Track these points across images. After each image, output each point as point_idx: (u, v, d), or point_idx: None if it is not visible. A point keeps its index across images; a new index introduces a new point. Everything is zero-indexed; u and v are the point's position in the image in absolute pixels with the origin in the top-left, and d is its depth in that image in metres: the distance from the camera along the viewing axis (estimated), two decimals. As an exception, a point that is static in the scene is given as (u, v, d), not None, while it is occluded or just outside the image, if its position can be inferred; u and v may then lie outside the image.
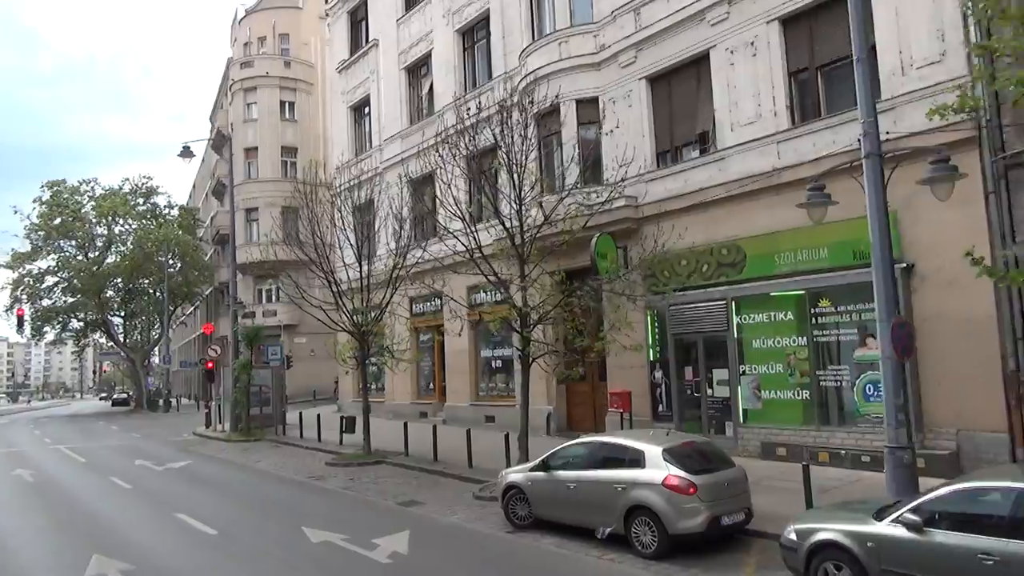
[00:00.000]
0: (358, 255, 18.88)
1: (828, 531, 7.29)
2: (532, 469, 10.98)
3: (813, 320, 14.30)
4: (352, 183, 20.31)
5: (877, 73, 13.50)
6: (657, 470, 9.25)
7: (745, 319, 15.51)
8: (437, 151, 14.91)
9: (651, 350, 17.40)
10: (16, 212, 52.25)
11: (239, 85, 46.09)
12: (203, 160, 62.65)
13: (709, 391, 16.14)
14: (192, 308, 65.18)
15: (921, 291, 12.76)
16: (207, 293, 58.84)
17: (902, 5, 13.12)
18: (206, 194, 63.93)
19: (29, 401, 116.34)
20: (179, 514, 12.64)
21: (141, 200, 53.28)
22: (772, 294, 14.97)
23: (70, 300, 52.04)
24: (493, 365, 23.38)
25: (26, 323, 49.88)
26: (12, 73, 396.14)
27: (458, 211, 14.90)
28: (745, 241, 15.41)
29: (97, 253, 52.17)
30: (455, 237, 14.82)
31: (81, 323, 54.61)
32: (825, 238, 13.68)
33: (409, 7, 26.89)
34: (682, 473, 9.12)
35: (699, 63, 16.74)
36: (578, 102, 18.62)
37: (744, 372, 15.43)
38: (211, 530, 11.37)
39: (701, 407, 16.34)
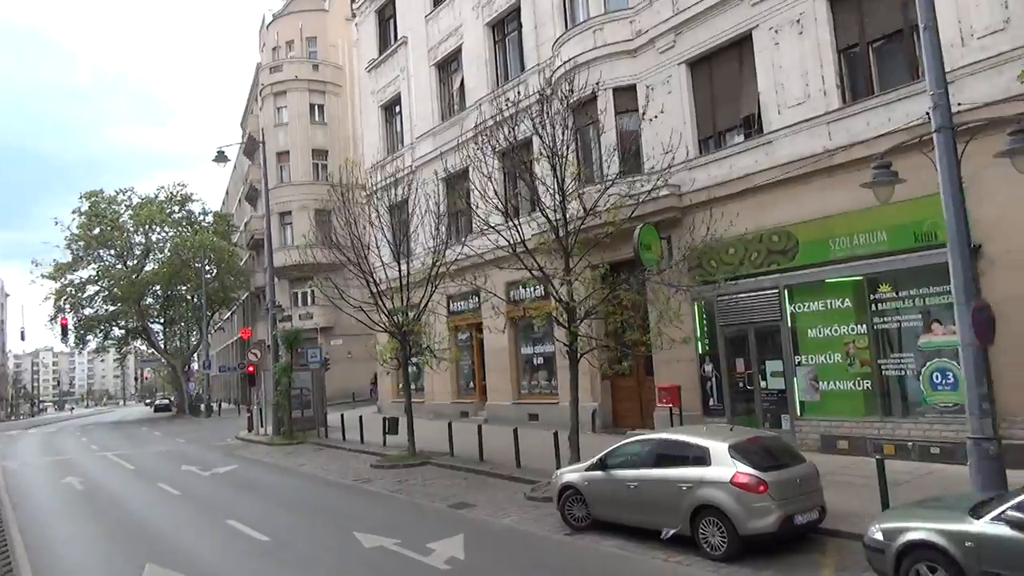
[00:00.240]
0: (396, 254, 18.65)
1: (920, 530, 6.80)
2: (589, 468, 10.60)
3: (873, 307, 13.70)
4: (388, 180, 20.06)
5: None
6: (724, 467, 8.82)
7: (799, 308, 14.95)
8: (476, 143, 14.58)
9: (699, 343, 16.92)
10: (57, 223, 53.34)
11: (269, 90, 46.33)
12: (235, 166, 63.29)
13: (762, 383, 15.60)
14: (229, 313, 65.92)
15: (989, 274, 12.06)
16: (243, 298, 59.42)
17: (961, -28, 12.47)
18: (239, 200, 64.53)
19: (72, 409, 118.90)
20: (230, 520, 12.51)
21: (176, 208, 53.95)
22: (827, 281, 14.40)
23: (111, 308, 52.91)
24: (534, 362, 23.03)
25: (70, 332, 50.79)
26: (49, 88, 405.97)
27: (499, 204, 14.59)
28: (796, 227, 14.85)
29: (136, 261, 52.97)
30: (496, 231, 14.47)
31: (122, 331, 55.50)
32: (883, 221, 13.09)
33: (438, 2, 26.62)
34: (751, 470, 8.68)
35: (741, 45, 16.20)
36: (615, 90, 18.18)
37: (800, 363, 14.88)
38: (263, 536, 11.20)
39: (754, 400, 15.81)
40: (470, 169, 16.21)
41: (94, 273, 52.37)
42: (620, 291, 13.72)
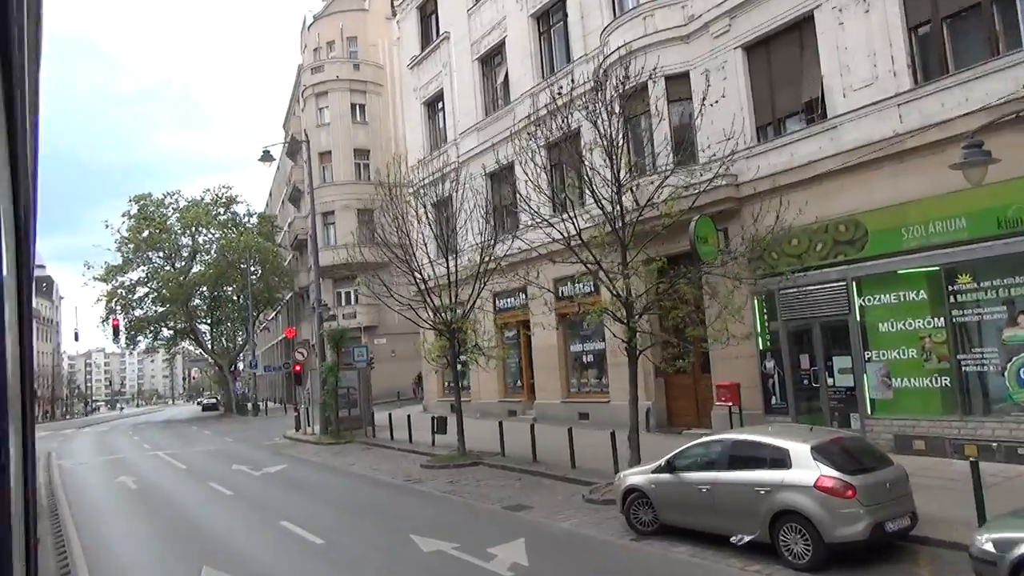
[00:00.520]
0: (444, 250, 18.33)
1: (1041, 542, 6.18)
2: (655, 471, 10.10)
3: (951, 298, 12.90)
4: (435, 176, 19.76)
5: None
6: (806, 470, 8.24)
7: (869, 301, 14.20)
8: (530, 131, 14.15)
9: (760, 338, 16.24)
10: (107, 226, 54.55)
11: (311, 90, 46.57)
12: (278, 167, 63.84)
13: (829, 380, 14.88)
14: (274, 313, 66.65)
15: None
16: (287, 298, 59.99)
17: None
18: (282, 201, 65.17)
19: (122, 408, 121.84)
20: (283, 521, 12.31)
21: (222, 210, 54.69)
22: (900, 272, 13.63)
23: (160, 309, 53.87)
24: (584, 360, 22.54)
25: (121, 333, 51.82)
26: (96, 95, 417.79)
27: (553, 197, 14.17)
28: (865, 215, 14.10)
29: (183, 263, 53.85)
30: (550, 224, 14.03)
31: (171, 331, 56.47)
32: (963, 207, 12.32)
33: (480, -4, 26.28)
34: (836, 473, 8.09)
35: (802, 26, 15.48)
36: (667, 78, 17.57)
37: (870, 359, 14.13)
38: (317, 539, 10.95)
39: (820, 398, 15.09)
40: (517, 163, 15.84)
41: (143, 275, 53.43)
42: (681, 285, 13.18)
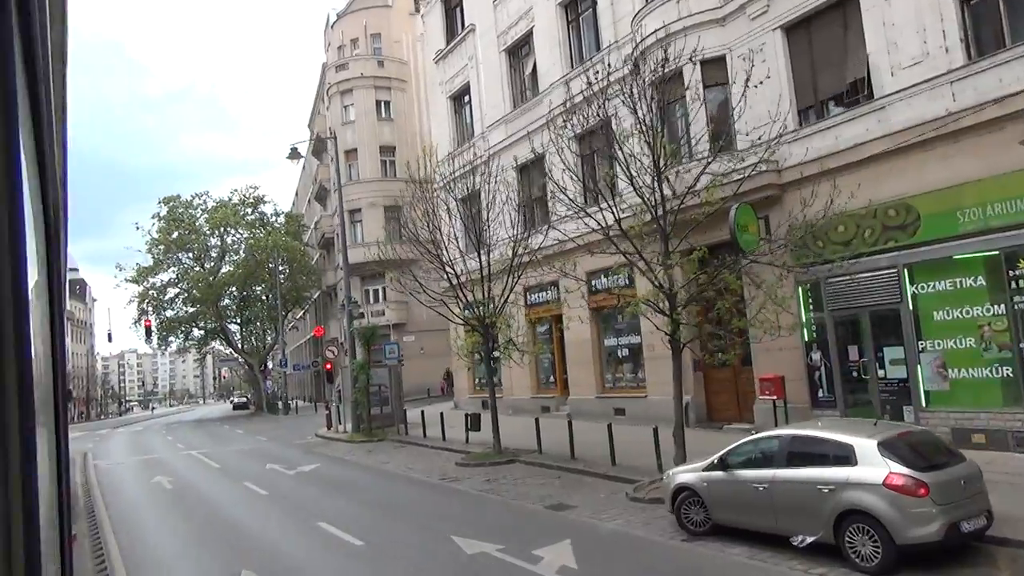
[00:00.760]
0: (476, 244, 17.98)
1: None
2: (707, 468, 9.67)
3: (1013, 284, 12.27)
4: (465, 168, 19.40)
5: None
6: (874, 467, 7.76)
7: (922, 288, 13.59)
8: (565, 118, 13.74)
9: (806, 329, 15.68)
10: (138, 228, 55.16)
11: (335, 88, 46.49)
12: (304, 167, 64.00)
13: (880, 372, 14.30)
14: (301, 312, 66.94)
15: None
16: (315, 297, 60.17)
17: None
18: (308, 200, 65.38)
19: (152, 408, 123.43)
20: (320, 523, 12.06)
21: (249, 210, 54.97)
22: (956, 257, 13.01)
23: (190, 310, 54.29)
24: (619, 354, 22.09)
25: (153, 333, 52.30)
26: (124, 100, 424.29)
27: (584, 186, 13.74)
28: (917, 199, 13.49)
29: (212, 263, 54.22)
30: (588, 214, 13.62)
31: (202, 331, 56.91)
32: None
33: (506, -13, 25.86)
34: (907, 470, 7.60)
35: (845, 3, 14.89)
36: (702, 63, 17.01)
37: (924, 349, 13.53)
38: (357, 541, 10.66)
39: (870, 391, 14.52)
40: (552, 151, 15.39)
41: (174, 276, 53.91)
42: (725, 275, 12.69)
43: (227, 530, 12.56)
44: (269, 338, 58.17)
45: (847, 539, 7.89)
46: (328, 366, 30.72)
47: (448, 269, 18.23)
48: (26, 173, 1.18)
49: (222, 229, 53.63)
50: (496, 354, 18.72)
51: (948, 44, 13.10)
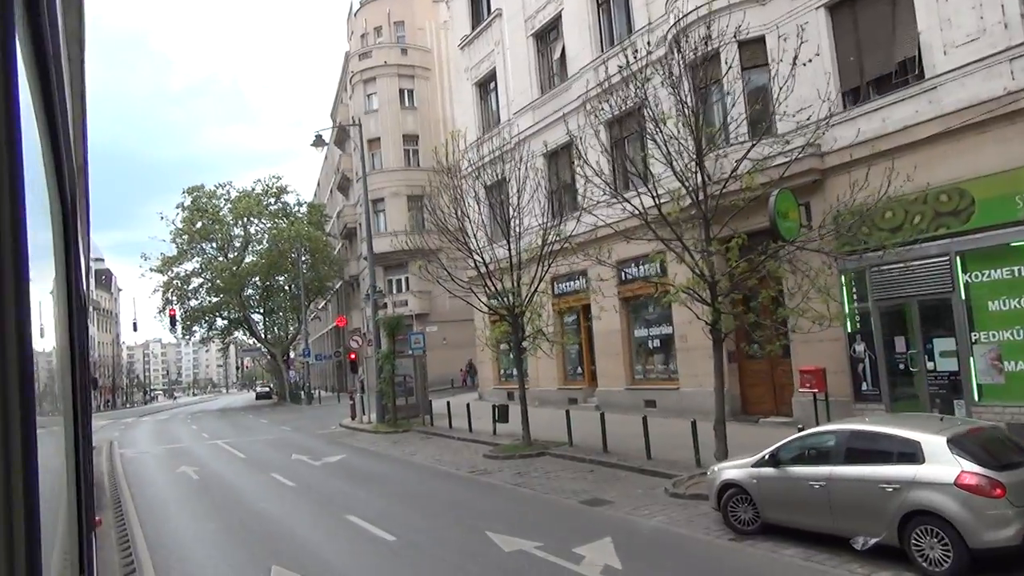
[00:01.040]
0: (505, 232, 17.55)
1: None
2: (757, 464, 9.19)
3: (1076, 273, 11.64)
4: (495, 153, 18.94)
5: None
6: (943, 466, 7.26)
7: (976, 277, 12.97)
8: (602, 100, 13.25)
9: (849, 320, 15.10)
10: (162, 218, 55.35)
11: (358, 77, 46.16)
12: (326, 157, 63.89)
13: (929, 364, 13.70)
14: (324, 303, 66.98)
15: None
16: (338, 287, 60.13)
17: None
18: (331, 190, 65.28)
19: (175, 397, 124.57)
20: (350, 516, 11.75)
21: (272, 200, 54.96)
22: (1013, 244, 12.41)
23: (214, 300, 54.46)
24: (649, 345, 21.60)
25: (178, 323, 52.53)
26: (148, 93, 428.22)
27: (614, 172, 13.25)
28: (971, 183, 12.87)
29: (236, 253, 54.30)
30: (625, 200, 13.13)
31: (225, 321, 57.11)
32: (1091, 170, 11.03)
33: (534, -30, 25.30)
34: (981, 469, 7.10)
35: (893, -20, 14.22)
36: (740, 44, 16.41)
37: (977, 340, 12.93)
38: (388, 536, 10.33)
39: (918, 384, 13.93)
40: (583, 136, 14.90)
41: (198, 266, 54.08)
42: (770, 263, 12.17)
43: (254, 522, 12.29)
44: (292, 328, 58.25)
45: (913, 542, 7.40)
46: (352, 356, 30.47)
47: (476, 257, 17.83)
48: (41, 161, 1.20)
49: (245, 219, 53.69)
50: (525, 344, 18.30)
51: (1007, 19, 12.43)
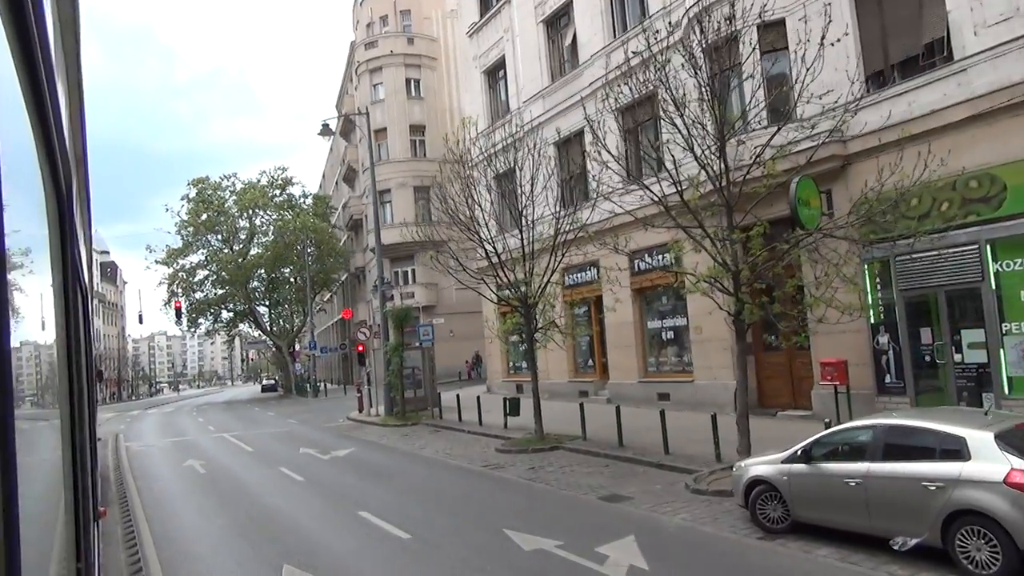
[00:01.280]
0: (519, 221, 17.14)
1: None
2: (787, 460, 8.81)
3: (1114, 261, 11.21)
4: (507, 140, 18.50)
5: None
6: (991, 463, 6.87)
7: (1007, 266, 12.55)
8: (623, 82, 12.82)
9: (872, 311, 14.68)
10: (168, 210, 55.02)
11: (364, 67, 45.70)
12: (331, 148, 63.55)
13: (956, 356, 13.29)
14: (329, 295, 66.69)
15: None
16: (343, 279, 59.82)
17: None
18: (336, 182, 64.91)
19: (178, 390, 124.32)
20: (362, 512, 11.42)
21: (278, 191, 54.61)
22: (1047, 232, 11.96)
23: (220, 292, 54.19)
24: (663, 337, 21.22)
25: (183, 315, 52.30)
26: (155, 86, 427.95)
27: (627, 160, 12.83)
28: (1002, 169, 12.43)
29: (241, 245, 54.01)
30: (646, 187, 12.73)
31: (231, 313, 56.86)
32: None
33: (544, -46, 24.80)
34: (1033, 468, 6.70)
35: (921, -41, 13.74)
36: (760, 27, 15.90)
37: (1008, 331, 12.52)
38: (403, 534, 9.99)
39: (944, 376, 13.53)
40: (600, 120, 14.47)
41: (203, 258, 53.80)
42: (795, 251, 11.76)
43: (264, 518, 11.97)
44: (297, 320, 58.00)
45: (958, 543, 7.02)
46: (360, 348, 30.15)
47: (487, 246, 17.44)
48: (34, 152, 1.23)
49: (251, 211, 53.39)
50: (537, 336, 17.92)
51: (1042, -2, 11.97)
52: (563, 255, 16.90)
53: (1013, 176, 12.28)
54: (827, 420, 11.80)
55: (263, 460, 18.90)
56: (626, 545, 8.69)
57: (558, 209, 17.24)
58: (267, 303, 57.83)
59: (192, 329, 57.74)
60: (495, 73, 28.40)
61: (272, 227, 53.26)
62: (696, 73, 11.81)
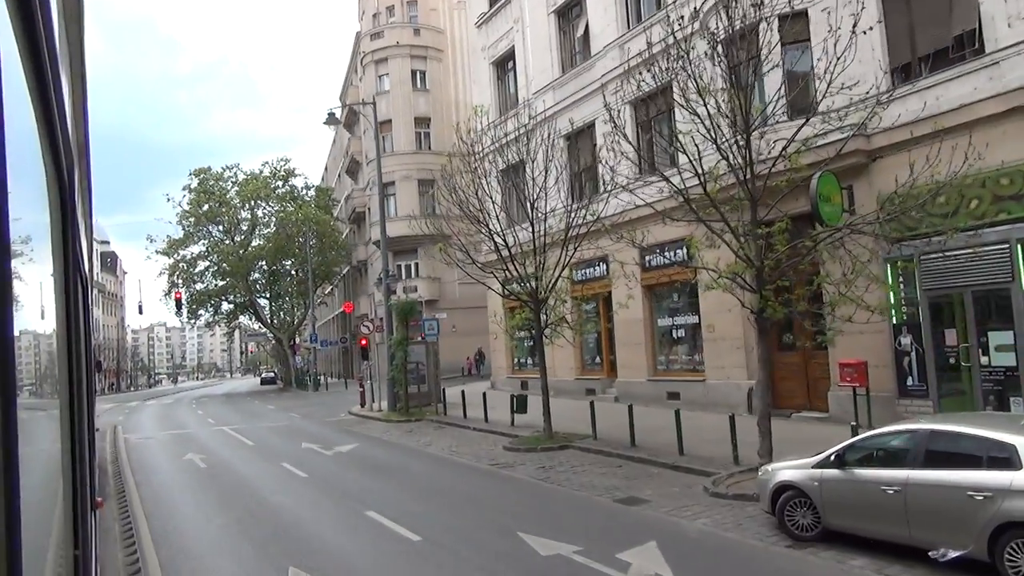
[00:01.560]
0: (530, 213, 16.72)
1: None
2: (818, 465, 8.41)
3: None
4: (519, 131, 18.05)
5: None
6: (1046, 473, 6.47)
7: (1039, 266, 12.13)
8: (647, 70, 12.39)
9: (894, 311, 14.27)
10: (169, 199, 54.57)
11: (370, 57, 45.20)
12: (334, 140, 63.08)
13: (983, 359, 12.88)
14: (330, 288, 66.26)
15: None
16: (345, 272, 59.37)
17: None
18: (339, 174, 64.45)
19: (176, 380, 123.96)
20: (369, 512, 11.02)
21: (280, 183, 54.14)
22: (1081, 231, 11.54)
23: (220, 283, 53.76)
24: (674, 335, 20.82)
25: (183, 306, 51.87)
26: (157, 77, 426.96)
27: (639, 153, 12.41)
28: (1036, 166, 12.00)
29: (242, 237, 53.57)
30: (665, 178, 12.30)
31: (231, 305, 56.43)
32: None
33: (557, -58, 24.34)
34: (1091, 479, 6.30)
35: (951, -52, 13.30)
36: (781, 18, 15.46)
37: (1038, 334, 12.10)
38: (413, 535, 9.59)
39: (968, 379, 13.12)
40: (617, 112, 14.03)
41: (204, 249, 53.35)
42: (821, 248, 11.35)
43: (267, 517, 11.56)
44: (298, 313, 57.58)
45: (1007, 557, 6.62)
46: (363, 342, 29.75)
47: (497, 239, 17.02)
48: (37, 141, 1.23)
49: (252, 202, 52.94)
50: (547, 332, 17.51)
51: (1080, -12, 11.54)
52: (575, 248, 16.48)
53: (1047, 173, 11.87)
54: (853, 423, 11.40)
55: (264, 454, 18.51)
56: (648, 552, 8.30)
57: (570, 202, 16.83)
58: (268, 295, 57.38)
59: (192, 320, 57.29)
60: (504, 64, 27.95)
61: (274, 219, 52.83)
62: (720, 61, 11.38)
